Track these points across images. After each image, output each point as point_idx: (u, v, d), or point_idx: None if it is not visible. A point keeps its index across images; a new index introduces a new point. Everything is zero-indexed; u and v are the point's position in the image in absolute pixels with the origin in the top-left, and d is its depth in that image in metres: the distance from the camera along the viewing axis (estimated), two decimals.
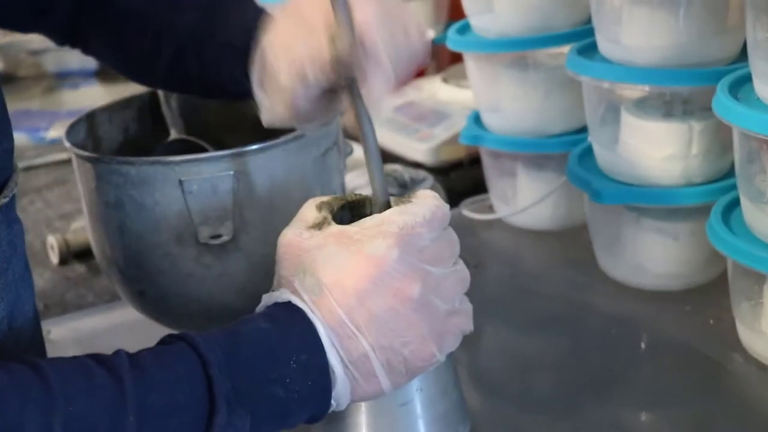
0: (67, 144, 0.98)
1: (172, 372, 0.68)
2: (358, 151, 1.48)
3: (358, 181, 1.35)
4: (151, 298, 0.98)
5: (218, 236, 0.93)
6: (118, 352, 0.68)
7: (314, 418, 0.74)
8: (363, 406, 0.81)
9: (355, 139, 1.55)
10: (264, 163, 0.92)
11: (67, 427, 0.62)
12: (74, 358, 0.67)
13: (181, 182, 0.90)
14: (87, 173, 0.96)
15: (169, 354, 0.69)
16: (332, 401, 0.73)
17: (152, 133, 1.12)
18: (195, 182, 0.90)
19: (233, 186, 0.91)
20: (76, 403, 0.63)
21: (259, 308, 0.76)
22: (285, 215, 0.87)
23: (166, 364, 0.68)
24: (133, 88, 1.96)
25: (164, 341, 0.72)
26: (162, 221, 0.92)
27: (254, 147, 0.92)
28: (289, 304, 0.74)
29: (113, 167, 0.93)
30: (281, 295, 0.75)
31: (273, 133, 0.95)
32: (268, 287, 0.78)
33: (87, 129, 1.05)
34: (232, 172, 0.91)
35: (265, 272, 0.92)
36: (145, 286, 0.97)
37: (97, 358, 0.67)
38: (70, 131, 1.01)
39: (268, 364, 0.70)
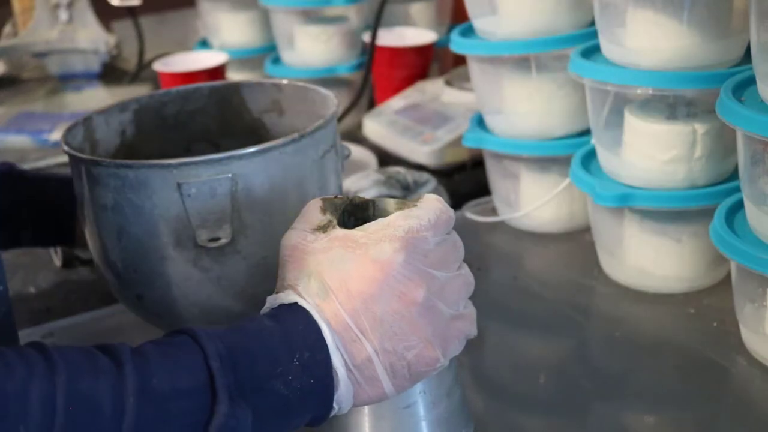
0: (65, 147, 0.98)
1: (173, 360, 0.69)
2: (355, 153, 1.49)
3: (357, 184, 1.34)
4: (149, 302, 0.98)
5: (216, 239, 0.93)
6: (122, 343, 0.70)
7: (316, 419, 0.74)
8: (365, 408, 0.81)
9: (352, 140, 1.55)
10: (262, 166, 0.92)
11: (70, 401, 0.64)
12: (79, 346, 0.69)
13: (179, 185, 0.90)
14: (84, 176, 0.96)
15: (171, 345, 0.71)
16: (335, 405, 0.74)
17: (149, 136, 1.12)
18: (193, 185, 0.90)
19: (231, 189, 0.91)
20: (80, 381, 0.65)
21: (264, 310, 0.76)
22: (283, 218, 0.87)
23: (167, 354, 0.69)
24: (134, 92, 1.97)
25: (167, 335, 0.73)
26: (160, 224, 0.92)
27: (252, 150, 0.92)
28: (294, 305, 0.74)
29: (111, 170, 0.92)
30: (286, 296, 0.75)
31: (270, 137, 0.95)
32: (267, 290, 0.78)
33: (84, 132, 1.05)
34: (230, 175, 0.91)
35: (264, 275, 0.93)
36: (143, 289, 0.97)
37: (100, 346, 0.69)
38: (67, 135, 1.01)
39: (271, 361, 0.71)
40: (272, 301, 0.76)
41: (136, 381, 0.66)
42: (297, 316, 0.73)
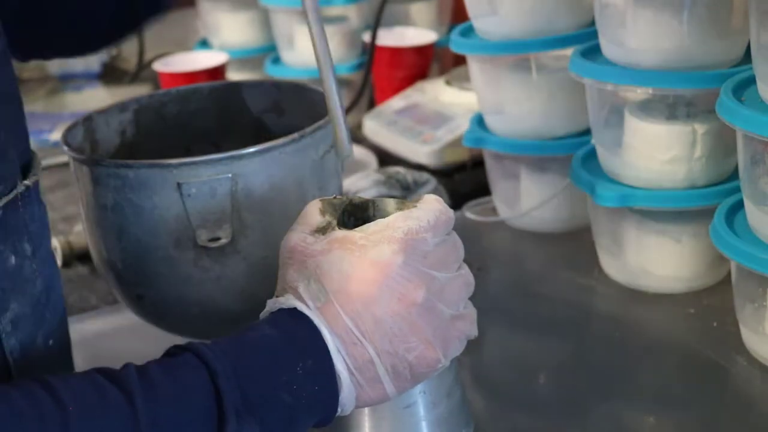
0: (65, 147, 0.98)
1: (180, 384, 0.68)
2: (356, 153, 1.49)
3: (357, 184, 1.34)
4: (149, 302, 0.98)
5: (217, 239, 0.93)
6: (126, 366, 0.69)
7: (320, 422, 0.74)
8: (366, 409, 0.81)
9: (352, 140, 1.54)
10: (262, 166, 0.93)
11: None
12: (84, 373, 0.68)
13: (179, 185, 0.90)
14: (84, 176, 0.96)
15: (177, 366, 0.70)
16: (338, 408, 0.73)
17: (149, 136, 1.12)
18: (193, 185, 0.90)
19: (231, 189, 0.91)
20: (91, 422, 0.64)
21: (264, 314, 0.76)
22: (283, 218, 0.87)
23: (174, 377, 0.68)
24: (134, 91, 1.96)
25: (170, 353, 0.72)
26: (160, 224, 0.92)
27: (252, 150, 0.92)
28: (294, 311, 0.74)
29: (111, 170, 0.93)
30: (286, 301, 0.75)
31: (270, 137, 0.95)
32: (267, 290, 0.78)
33: (84, 132, 1.05)
34: (230, 175, 0.91)
35: (264, 275, 0.93)
36: (143, 289, 0.97)
37: (106, 373, 0.68)
38: (67, 134, 1.02)
39: (275, 371, 0.71)
40: (272, 304, 0.76)
41: (146, 413, 0.65)
42: (297, 322, 0.73)
